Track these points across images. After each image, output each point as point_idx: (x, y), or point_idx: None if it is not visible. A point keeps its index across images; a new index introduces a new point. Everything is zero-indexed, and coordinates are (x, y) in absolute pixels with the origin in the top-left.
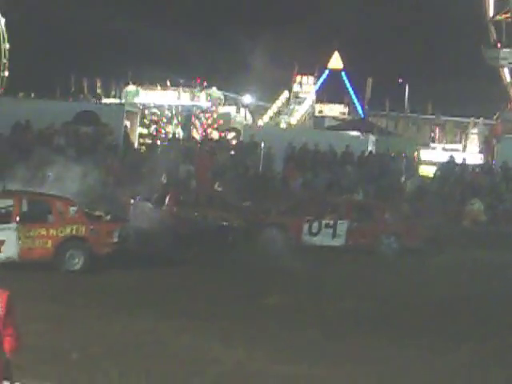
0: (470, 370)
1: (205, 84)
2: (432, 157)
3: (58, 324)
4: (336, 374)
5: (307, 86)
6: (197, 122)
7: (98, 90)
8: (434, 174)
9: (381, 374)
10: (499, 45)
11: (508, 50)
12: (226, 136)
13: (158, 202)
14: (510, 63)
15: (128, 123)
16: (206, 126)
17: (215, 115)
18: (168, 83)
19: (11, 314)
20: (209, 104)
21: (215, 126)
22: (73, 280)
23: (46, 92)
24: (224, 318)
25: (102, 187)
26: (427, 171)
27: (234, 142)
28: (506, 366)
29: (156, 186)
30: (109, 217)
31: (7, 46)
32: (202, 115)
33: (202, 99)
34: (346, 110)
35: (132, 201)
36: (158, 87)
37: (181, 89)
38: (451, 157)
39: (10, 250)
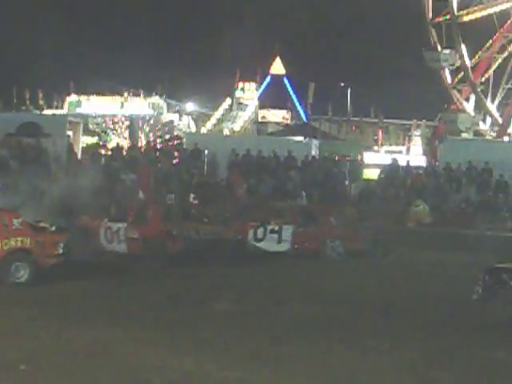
0: (415, 370)
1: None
2: (376, 160)
3: (4, 336)
4: (284, 378)
5: (249, 93)
6: (141, 131)
7: (41, 101)
8: (378, 177)
9: (329, 375)
10: (439, 47)
11: (448, 51)
12: (169, 144)
13: (136, 220)
14: (450, 65)
15: (71, 133)
16: (149, 135)
17: (158, 124)
18: (110, 92)
19: None
20: (151, 112)
21: (158, 134)
22: (19, 292)
23: None
24: (171, 326)
25: (47, 199)
26: (371, 174)
27: (177, 149)
28: (451, 367)
29: (126, 203)
30: (53, 228)
31: None
32: (145, 124)
33: (145, 108)
34: (289, 115)
35: (101, 222)
36: (100, 97)
37: (123, 98)
38: (394, 159)
39: None
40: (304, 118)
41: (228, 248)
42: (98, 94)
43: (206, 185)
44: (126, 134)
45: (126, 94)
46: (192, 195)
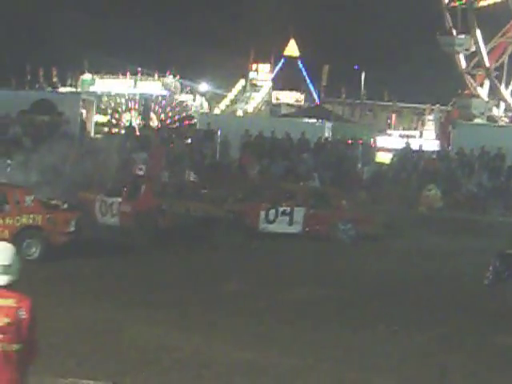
0: (425, 354)
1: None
2: (388, 143)
3: None
4: (293, 360)
5: (263, 74)
6: (154, 110)
7: (54, 79)
8: (391, 161)
9: (339, 358)
10: (454, 31)
11: (463, 36)
12: (182, 124)
13: (130, 195)
14: (465, 50)
15: (84, 112)
16: (162, 114)
17: (172, 103)
18: (124, 71)
19: (35, 321)
20: (165, 92)
21: (171, 114)
22: (30, 269)
23: (2, 81)
24: (182, 306)
25: (59, 177)
26: (384, 158)
27: (190, 130)
28: (461, 351)
29: (123, 178)
30: (65, 206)
31: None
32: (158, 104)
33: (159, 87)
34: (303, 97)
35: (97, 196)
36: (114, 76)
37: (137, 77)
38: (407, 143)
39: None
40: (317, 100)
41: (220, 226)
42: (112, 72)
43: (218, 165)
44: (139, 113)
45: (139, 74)
46: (191, 173)
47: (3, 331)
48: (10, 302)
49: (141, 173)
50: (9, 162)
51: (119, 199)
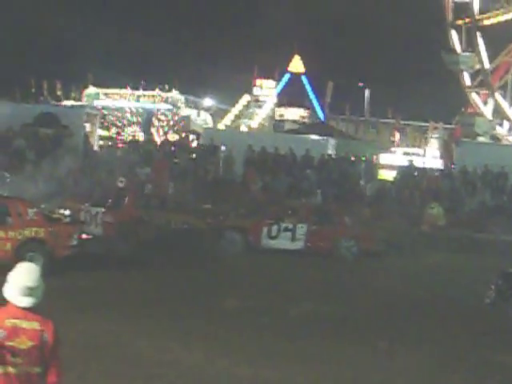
0: (425, 372)
1: (166, 87)
2: (392, 161)
3: None
4: (295, 376)
5: (268, 90)
6: (157, 125)
7: (59, 92)
8: (394, 178)
9: (340, 375)
10: (459, 49)
11: (467, 54)
12: (186, 139)
13: (113, 206)
14: (469, 68)
15: (88, 125)
16: (166, 129)
17: (176, 118)
18: (128, 86)
19: (58, 343)
20: (169, 107)
21: (175, 128)
22: None
23: (6, 94)
24: (184, 320)
25: (62, 190)
26: (387, 175)
27: (194, 144)
28: (461, 370)
29: (110, 190)
30: (68, 219)
31: None
32: (162, 118)
33: (163, 102)
34: (307, 113)
35: (82, 206)
36: (118, 90)
37: (141, 91)
38: (410, 161)
39: None
40: (321, 117)
41: (199, 237)
42: (116, 86)
43: (222, 181)
44: (142, 127)
45: (143, 88)
46: (171, 184)
47: (27, 354)
48: (34, 325)
49: (121, 185)
50: (7, 174)
51: (102, 209)
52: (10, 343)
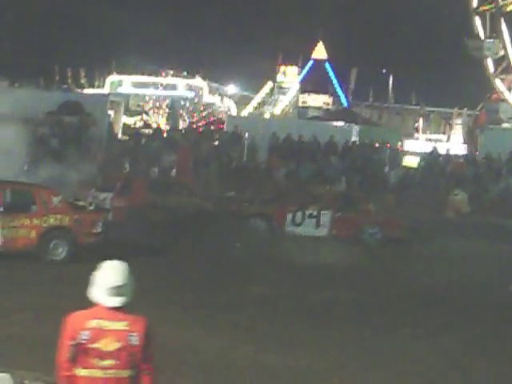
0: (450, 357)
1: (189, 74)
2: (416, 147)
3: (42, 313)
4: (320, 364)
5: (291, 77)
6: (181, 112)
7: (82, 80)
8: (418, 165)
9: (364, 361)
10: (483, 35)
11: (491, 40)
12: (209, 126)
13: (122, 191)
14: (493, 54)
15: (112, 113)
16: (189, 116)
17: (199, 105)
18: (152, 73)
19: (151, 345)
20: (193, 94)
21: (199, 116)
22: (57, 270)
23: (30, 82)
24: (209, 307)
25: (86, 178)
26: (411, 162)
27: (217, 132)
28: (486, 355)
29: (115, 175)
30: (92, 207)
31: None
32: (186, 105)
33: (187, 89)
34: (330, 100)
35: (89, 192)
36: (143, 77)
37: (165, 79)
38: (435, 147)
39: None
40: (345, 104)
41: (209, 220)
42: (140, 74)
43: (245, 168)
44: (166, 114)
45: (167, 75)
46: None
47: (115, 357)
48: (121, 326)
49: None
50: (27, 164)
51: (111, 194)
52: (95, 345)
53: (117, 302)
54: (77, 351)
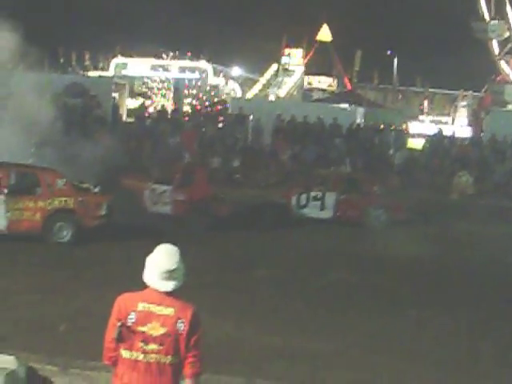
0: (456, 339)
1: (194, 56)
2: (421, 129)
3: (46, 295)
4: (323, 346)
5: (296, 59)
6: (185, 94)
7: (87, 63)
8: (423, 147)
9: (369, 344)
10: (488, 17)
11: (496, 22)
12: (214, 108)
13: (182, 183)
14: (498, 36)
15: (116, 95)
16: (194, 99)
17: (204, 88)
18: (156, 55)
19: (196, 333)
20: (197, 76)
21: (204, 98)
22: (61, 252)
23: (34, 64)
24: (212, 289)
25: (91, 160)
26: (416, 144)
27: (222, 114)
28: (492, 337)
29: (172, 166)
30: (97, 189)
31: None
32: (190, 87)
33: (191, 71)
34: (335, 82)
35: (147, 185)
36: (147, 59)
37: (170, 61)
38: (440, 129)
39: None
40: (349, 86)
41: (273, 212)
42: (144, 56)
43: (250, 150)
44: (171, 96)
45: (171, 57)
46: (237, 160)
47: (159, 342)
48: (169, 311)
49: (187, 160)
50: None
51: (170, 187)
52: (142, 328)
53: (168, 286)
54: (123, 332)
